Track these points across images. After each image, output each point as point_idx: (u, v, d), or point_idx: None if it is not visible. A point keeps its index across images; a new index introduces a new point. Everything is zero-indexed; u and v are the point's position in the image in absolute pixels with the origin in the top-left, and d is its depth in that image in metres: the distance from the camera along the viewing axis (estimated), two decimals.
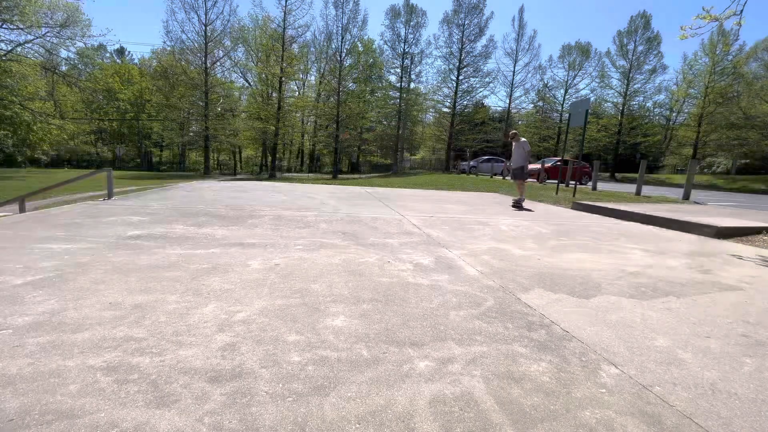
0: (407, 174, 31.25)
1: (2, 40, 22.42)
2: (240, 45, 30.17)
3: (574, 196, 10.10)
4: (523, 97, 41.86)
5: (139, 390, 1.31)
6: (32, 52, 24.10)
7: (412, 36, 35.07)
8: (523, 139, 7.72)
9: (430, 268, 3.00)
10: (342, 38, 31.01)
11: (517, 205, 7.61)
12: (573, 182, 17.07)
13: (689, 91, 34.62)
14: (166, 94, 30.48)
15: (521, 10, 37.51)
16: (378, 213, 5.90)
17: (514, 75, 38.51)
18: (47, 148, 34.51)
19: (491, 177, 23.12)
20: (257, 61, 30.48)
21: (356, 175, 32.95)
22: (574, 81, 39.27)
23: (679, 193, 12.92)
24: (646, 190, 14.33)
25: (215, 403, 1.26)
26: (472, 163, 27.11)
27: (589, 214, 7.05)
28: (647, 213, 6.34)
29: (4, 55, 21.95)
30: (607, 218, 6.58)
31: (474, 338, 1.82)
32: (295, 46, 30.46)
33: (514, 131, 7.83)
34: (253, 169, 42.44)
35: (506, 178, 21.81)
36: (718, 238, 5.04)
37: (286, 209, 5.90)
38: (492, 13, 39.54)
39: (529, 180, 19.91)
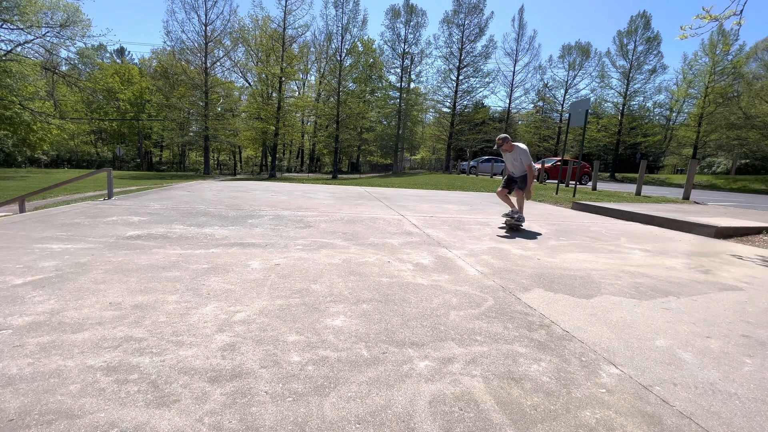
0: (407, 174, 31.25)
1: (2, 40, 22.44)
2: (240, 45, 30.13)
3: (574, 196, 10.10)
4: (523, 97, 41.92)
5: (139, 390, 1.31)
6: (32, 52, 24.09)
7: (412, 36, 35.09)
8: (521, 146, 5.18)
9: (430, 268, 3.00)
10: (342, 38, 31.02)
11: (515, 226, 5.08)
12: (573, 182, 17.12)
13: (689, 91, 34.62)
14: (166, 94, 30.48)
15: (521, 10, 37.52)
16: (378, 213, 5.90)
17: (514, 75, 38.53)
18: (47, 148, 34.45)
19: (491, 177, 23.13)
20: (257, 61, 30.45)
21: (356, 175, 32.95)
22: (574, 81, 39.29)
23: (679, 193, 12.92)
24: (646, 190, 14.33)
25: (215, 403, 1.26)
26: (472, 163, 27.14)
27: (589, 214, 7.05)
28: (647, 213, 6.34)
29: (4, 55, 21.93)
30: (607, 218, 6.58)
31: (474, 338, 1.82)
32: (295, 46, 30.44)
33: (504, 135, 5.21)
34: (253, 169, 42.45)
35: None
36: (718, 238, 5.04)
37: (286, 209, 5.89)
38: (492, 13, 39.55)
39: None
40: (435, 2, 61.59)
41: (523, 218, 5.21)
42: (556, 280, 2.83)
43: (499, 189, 5.48)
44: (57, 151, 43.00)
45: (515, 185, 5.35)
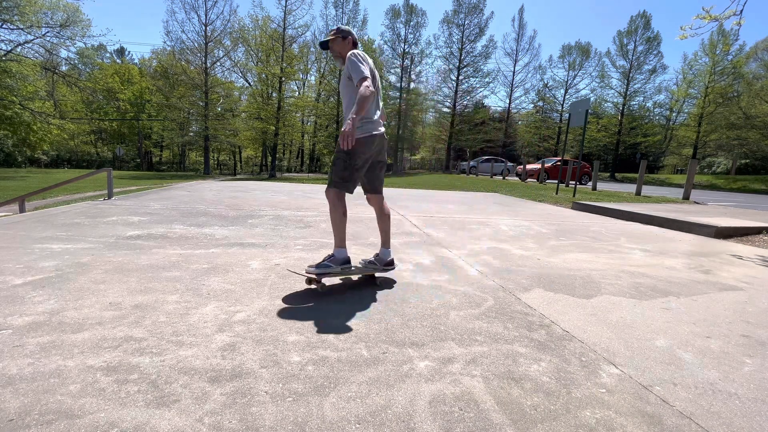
0: (407, 174, 31.25)
1: (2, 40, 22.44)
2: (240, 45, 30.15)
3: (574, 195, 10.10)
4: (523, 97, 41.96)
5: (139, 390, 1.31)
6: (32, 52, 24.11)
7: (412, 36, 35.14)
8: (354, 56, 2.24)
9: (430, 268, 3.00)
10: None
11: (318, 279, 2.33)
12: (573, 182, 17.12)
13: (689, 91, 34.64)
14: (166, 94, 30.52)
15: (521, 11, 37.60)
16: None
17: (514, 75, 38.60)
18: (47, 148, 34.45)
19: (491, 177, 23.13)
20: (257, 61, 30.45)
21: None
22: (574, 81, 39.32)
23: (679, 193, 12.92)
24: (646, 190, 14.34)
25: (215, 403, 1.26)
26: (472, 163, 27.16)
27: (589, 214, 7.05)
28: (647, 213, 6.34)
29: (4, 55, 21.93)
30: (607, 218, 6.58)
31: (474, 338, 1.82)
32: (295, 46, 30.45)
33: (345, 28, 2.47)
34: (253, 169, 42.45)
35: (506, 178, 21.79)
36: (718, 238, 5.04)
37: (286, 209, 5.89)
38: (492, 13, 39.57)
39: (529, 180, 19.78)
40: (435, 2, 61.66)
41: (342, 261, 2.44)
42: (556, 280, 2.83)
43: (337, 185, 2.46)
44: (57, 151, 43.02)
45: (341, 183, 2.43)
